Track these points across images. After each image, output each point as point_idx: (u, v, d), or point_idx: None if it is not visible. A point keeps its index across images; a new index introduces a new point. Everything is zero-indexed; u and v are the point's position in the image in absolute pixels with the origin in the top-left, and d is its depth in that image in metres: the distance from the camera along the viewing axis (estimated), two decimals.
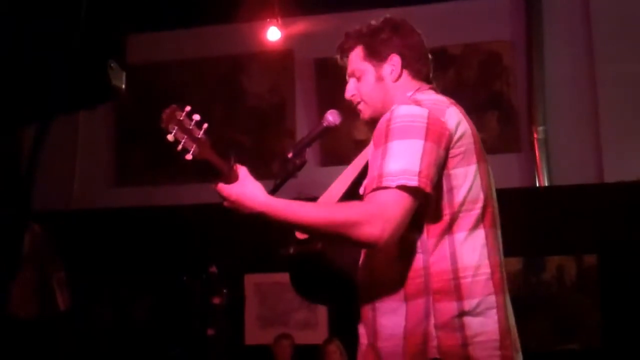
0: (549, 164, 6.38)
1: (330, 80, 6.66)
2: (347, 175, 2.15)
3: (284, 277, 2.19)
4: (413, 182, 1.80)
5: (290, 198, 1.94)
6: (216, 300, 5.19)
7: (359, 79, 2.16)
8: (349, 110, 2.30)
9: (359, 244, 1.87)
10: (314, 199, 2.12)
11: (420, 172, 1.81)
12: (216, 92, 7.18)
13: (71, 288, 5.88)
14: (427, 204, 1.87)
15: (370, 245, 1.87)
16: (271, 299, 6.43)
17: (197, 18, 6.96)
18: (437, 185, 1.88)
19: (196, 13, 6.86)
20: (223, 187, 1.94)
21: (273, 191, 2.06)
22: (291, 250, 2.12)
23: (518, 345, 1.98)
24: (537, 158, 6.39)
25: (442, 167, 1.89)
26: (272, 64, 7.10)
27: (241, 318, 6.47)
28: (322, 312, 6.28)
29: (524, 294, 5.95)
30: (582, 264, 5.98)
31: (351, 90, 2.19)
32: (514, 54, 6.71)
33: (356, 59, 2.17)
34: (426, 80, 2.16)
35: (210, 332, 5.16)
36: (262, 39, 6.77)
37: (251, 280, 6.51)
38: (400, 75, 2.13)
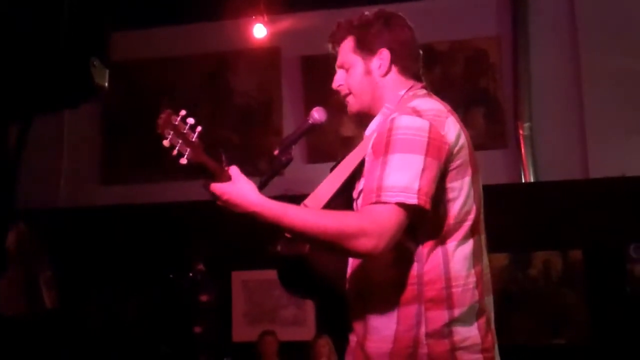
0: (534, 160, 6.41)
1: (316, 77, 6.66)
2: (336, 176, 2.11)
3: (271, 274, 2.19)
4: (412, 200, 1.80)
5: (277, 195, 1.94)
6: (203, 298, 5.20)
7: (347, 71, 2.14)
8: (336, 108, 2.29)
9: (350, 254, 1.91)
10: (300, 196, 2.11)
11: (419, 190, 1.80)
12: (203, 89, 7.17)
13: (58, 286, 5.87)
14: (424, 217, 1.86)
15: (361, 257, 1.91)
16: (258, 296, 6.42)
17: (183, 15, 6.94)
18: (435, 198, 1.87)
19: (182, 10, 6.84)
20: (215, 186, 1.94)
21: (259, 189, 2.05)
22: (278, 249, 2.10)
23: (495, 340, 2.02)
24: (523, 154, 6.42)
25: (440, 181, 1.89)
26: (259, 61, 7.09)
27: (228, 315, 6.46)
28: (309, 309, 6.28)
29: (511, 289, 5.98)
30: (567, 259, 6.02)
31: (338, 80, 2.17)
32: (500, 51, 6.73)
33: (346, 50, 2.14)
34: (415, 77, 2.13)
35: (197, 329, 5.15)
36: (248, 37, 6.75)
37: (238, 278, 6.50)
38: (388, 71, 2.10)
